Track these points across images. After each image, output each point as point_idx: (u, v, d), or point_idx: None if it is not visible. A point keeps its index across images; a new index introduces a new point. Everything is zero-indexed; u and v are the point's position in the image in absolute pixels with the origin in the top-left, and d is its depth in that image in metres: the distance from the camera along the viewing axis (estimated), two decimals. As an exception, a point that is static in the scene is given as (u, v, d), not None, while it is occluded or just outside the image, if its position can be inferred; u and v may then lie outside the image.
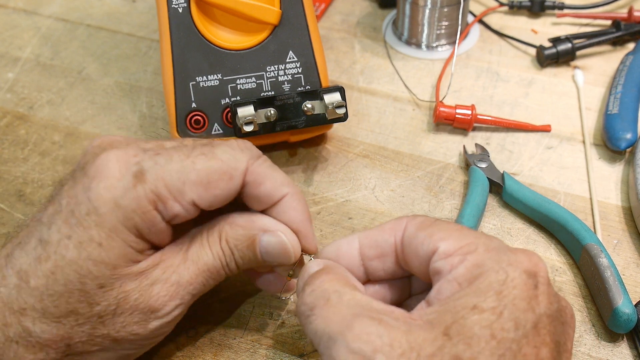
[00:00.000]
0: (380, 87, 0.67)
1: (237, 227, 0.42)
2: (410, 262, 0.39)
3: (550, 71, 0.68)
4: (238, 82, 0.55)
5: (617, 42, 0.71)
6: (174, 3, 0.54)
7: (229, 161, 0.41)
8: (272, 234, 0.42)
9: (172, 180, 0.40)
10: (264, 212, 0.44)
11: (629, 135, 0.59)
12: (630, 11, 0.71)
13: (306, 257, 0.43)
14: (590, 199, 0.56)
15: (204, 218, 0.43)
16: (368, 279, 0.42)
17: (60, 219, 0.39)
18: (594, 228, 0.54)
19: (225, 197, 0.41)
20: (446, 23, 0.69)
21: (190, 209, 0.41)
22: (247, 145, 0.43)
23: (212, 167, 0.40)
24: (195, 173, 0.40)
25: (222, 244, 0.42)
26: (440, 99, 0.64)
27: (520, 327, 0.33)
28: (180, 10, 0.55)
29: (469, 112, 0.61)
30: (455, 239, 0.37)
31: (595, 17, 0.73)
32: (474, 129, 0.62)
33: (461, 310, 0.34)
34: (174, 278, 0.41)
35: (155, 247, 0.42)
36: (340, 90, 0.55)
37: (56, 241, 0.39)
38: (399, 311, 0.35)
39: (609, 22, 0.73)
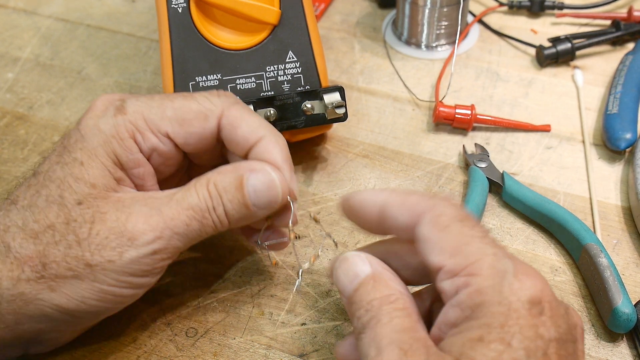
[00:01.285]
0: (380, 87, 0.67)
1: (225, 172, 0.44)
2: (421, 254, 0.39)
3: (550, 71, 0.68)
4: (238, 82, 0.55)
5: (617, 42, 0.71)
6: (173, 3, 0.54)
7: (204, 103, 0.44)
8: (259, 171, 0.43)
9: (149, 114, 0.43)
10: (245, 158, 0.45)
11: (628, 135, 0.59)
12: (629, 11, 0.71)
13: (351, 252, 0.41)
14: (590, 198, 0.56)
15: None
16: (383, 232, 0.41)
17: (54, 154, 0.44)
18: (594, 228, 0.54)
19: (200, 137, 0.44)
20: (446, 23, 0.69)
21: (166, 142, 0.44)
22: (226, 93, 0.46)
23: (188, 106, 0.44)
24: (172, 110, 0.44)
25: (210, 187, 0.43)
26: (440, 98, 0.64)
27: (532, 355, 0.33)
28: (180, 10, 0.55)
29: (469, 112, 0.61)
30: (462, 256, 0.36)
31: (594, 17, 0.73)
32: (474, 128, 0.62)
33: (467, 342, 0.34)
34: (155, 212, 0.42)
35: (139, 189, 0.44)
36: (340, 90, 0.55)
37: (46, 169, 0.43)
38: (429, 342, 0.36)
39: (608, 22, 0.73)
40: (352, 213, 0.41)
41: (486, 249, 0.36)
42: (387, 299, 0.38)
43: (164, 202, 0.42)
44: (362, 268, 0.39)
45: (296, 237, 0.46)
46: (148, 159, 0.44)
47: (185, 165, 0.49)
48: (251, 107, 0.54)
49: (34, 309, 0.41)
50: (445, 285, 0.36)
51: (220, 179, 0.43)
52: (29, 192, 0.42)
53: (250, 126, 0.44)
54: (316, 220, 0.49)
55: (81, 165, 0.42)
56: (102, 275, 0.41)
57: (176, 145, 0.45)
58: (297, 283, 0.46)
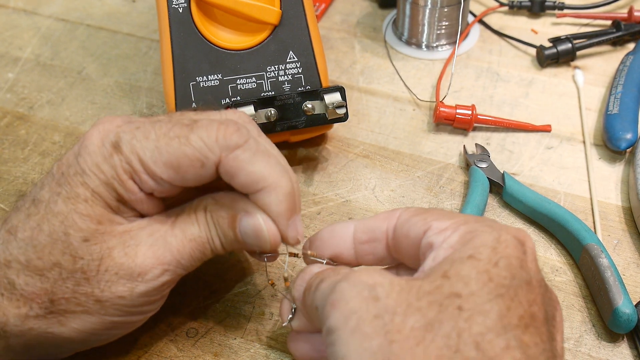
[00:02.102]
0: (381, 87, 0.67)
1: (221, 204, 0.43)
2: (399, 247, 0.40)
3: (551, 71, 0.68)
4: (238, 82, 0.55)
5: (617, 42, 0.71)
6: (174, 3, 0.54)
7: (201, 149, 0.40)
8: (251, 216, 0.42)
9: (145, 157, 0.41)
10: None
11: (629, 136, 0.59)
12: (630, 11, 0.71)
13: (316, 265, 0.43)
14: (591, 199, 0.56)
15: (197, 193, 0.44)
16: (358, 262, 0.43)
17: (53, 181, 0.42)
18: (594, 228, 0.54)
19: (198, 180, 0.42)
20: (446, 23, 0.69)
21: (164, 185, 0.42)
22: (228, 132, 0.41)
23: (184, 152, 0.41)
24: (167, 156, 0.41)
25: (207, 216, 0.43)
26: (441, 99, 0.64)
27: (516, 278, 0.35)
28: (180, 10, 0.54)
29: (469, 112, 0.61)
30: (448, 218, 0.38)
31: (595, 17, 0.73)
32: (474, 129, 0.62)
33: (457, 260, 0.35)
34: (161, 242, 0.42)
35: (142, 216, 0.43)
36: (341, 90, 0.55)
37: (47, 199, 0.41)
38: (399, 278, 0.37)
39: (609, 22, 0.73)
40: (324, 238, 0.43)
41: (469, 215, 0.39)
42: (339, 269, 0.39)
43: (168, 231, 0.42)
44: (317, 268, 0.42)
45: (294, 255, 0.45)
46: (149, 195, 0.43)
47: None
48: (252, 107, 0.54)
49: (43, 340, 0.41)
50: (432, 239, 0.38)
51: (216, 209, 0.42)
52: (29, 224, 0.41)
53: (249, 177, 0.41)
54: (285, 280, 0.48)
55: (85, 202, 0.41)
56: (112, 309, 0.41)
57: (174, 185, 0.43)
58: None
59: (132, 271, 0.41)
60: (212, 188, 0.45)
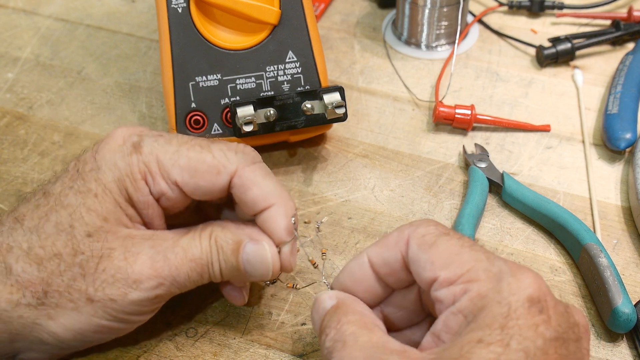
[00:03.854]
0: (380, 87, 0.67)
1: (227, 229, 0.44)
2: (415, 278, 0.39)
3: (550, 71, 0.68)
4: (237, 82, 0.55)
5: (617, 42, 0.71)
6: (173, 3, 0.54)
7: (220, 158, 0.43)
8: (257, 243, 0.43)
9: (164, 159, 0.43)
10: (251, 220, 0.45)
11: (628, 135, 0.59)
12: (629, 11, 0.71)
13: (321, 292, 0.42)
14: (590, 198, 0.56)
15: (200, 219, 0.45)
16: (392, 289, 0.42)
17: (67, 176, 0.43)
18: (594, 228, 0.54)
19: (209, 190, 0.43)
20: (446, 23, 0.69)
21: (174, 189, 0.43)
22: (246, 150, 0.45)
23: (203, 158, 0.43)
24: (186, 159, 0.43)
25: (211, 242, 0.43)
26: (440, 98, 0.64)
27: (531, 355, 0.33)
28: (180, 10, 0.54)
29: (469, 112, 0.61)
30: (456, 265, 0.37)
31: (594, 17, 0.73)
32: (474, 128, 0.62)
33: (466, 345, 0.34)
34: (161, 256, 0.42)
35: (147, 226, 0.44)
36: (340, 90, 0.55)
37: (58, 192, 0.42)
38: (410, 351, 0.36)
39: (608, 22, 0.73)
40: (348, 287, 0.42)
41: (478, 255, 0.37)
42: (347, 317, 0.38)
43: (169, 247, 0.42)
44: (328, 302, 0.40)
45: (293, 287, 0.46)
46: (157, 200, 0.44)
47: (194, 204, 0.48)
48: (251, 107, 0.54)
49: (29, 333, 0.41)
50: (441, 294, 0.37)
51: (222, 235, 0.43)
52: (37, 213, 0.42)
53: (262, 191, 0.43)
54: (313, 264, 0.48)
55: (95, 197, 0.42)
56: (101, 311, 0.41)
57: (184, 193, 0.44)
58: (265, 283, 0.46)
59: (128, 277, 0.41)
60: (215, 214, 0.47)
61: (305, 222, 0.54)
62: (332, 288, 0.42)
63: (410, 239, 0.39)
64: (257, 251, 0.43)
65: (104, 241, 0.41)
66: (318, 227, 0.44)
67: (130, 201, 0.43)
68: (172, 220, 0.46)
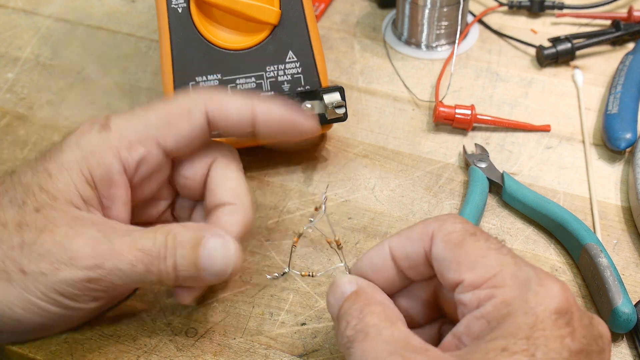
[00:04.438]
0: (380, 87, 0.67)
1: (189, 228, 0.43)
2: (439, 277, 0.38)
3: (550, 71, 0.68)
4: (238, 82, 0.55)
5: (617, 42, 0.71)
6: (173, 3, 0.54)
7: (185, 101, 0.45)
8: (220, 237, 0.43)
9: (135, 125, 0.44)
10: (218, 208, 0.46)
11: (628, 135, 0.59)
12: (629, 11, 0.71)
13: (341, 275, 0.41)
14: (590, 198, 0.56)
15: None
16: (410, 281, 0.41)
17: (34, 159, 0.44)
18: (594, 228, 0.54)
19: (189, 136, 0.45)
20: (446, 23, 0.69)
21: (154, 151, 0.44)
22: (205, 89, 0.47)
23: (170, 107, 0.45)
24: (155, 116, 0.44)
25: (169, 237, 0.42)
26: (440, 98, 0.64)
27: None
28: (180, 10, 0.55)
29: (469, 112, 0.61)
30: (482, 268, 0.36)
31: (594, 17, 0.73)
32: (474, 128, 0.62)
33: (491, 352, 0.33)
34: (105, 240, 0.41)
35: (106, 213, 0.44)
36: (340, 90, 0.55)
37: (20, 171, 0.44)
38: (433, 350, 0.35)
39: (608, 22, 0.73)
40: (368, 275, 0.40)
41: (505, 260, 0.36)
42: (370, 308, 0.37)
43: (118, 235, 0.42)
44: (347, 287, 0.39)
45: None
46: (135, 173, 0.44)
47: (170, 196, 0.49)
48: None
49: None
50: (465, 297, 0.36)
51: (181, 232, 0.42)
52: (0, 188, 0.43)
53: (238, 106, 0.45)
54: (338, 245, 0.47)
55: (49, 177, 0.42)
56: (32, 286, 0.40)
57: (165, 153, 0.45)
58: (272, 276, 0.45)
59: (64, 252, 0.40)
60: None
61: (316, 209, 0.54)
62: (350, 273, 0.42)
63: (435, 235, 0.38)
64: (220, 245, 0.42)
65: (50, 217, 0.41)
66: (325, 201, 0.42)
67: (92, 182, 0.43)
68: (143, 214, 0.47)
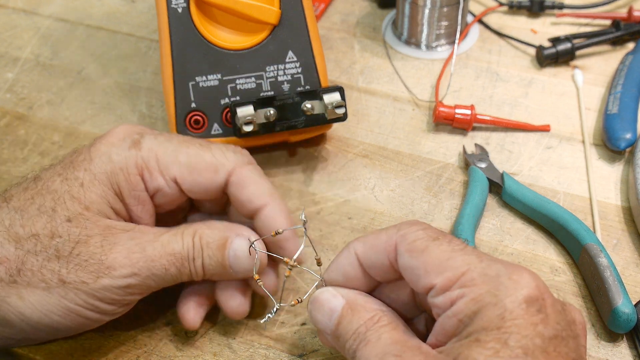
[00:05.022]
0: (380, 87, 0.67)
1: (213, 228, 0.44)
2: (410, 285, 0.39)
3: (550, 71, 0.68)
4: (237, 82, 0.55)
5: (617, 42, 0.71)
6: (173, 3, 0.54)
7: (218, 157, 0.45)
8: (245, 238, 0.44)
9: (163, 155, 0.44)
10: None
11: (628, 135, 0.59)
12: (629, 11, 0.71)
13: (319, 290, 0.41)
14: (590, 198, 0.56)
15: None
16: (378, 284, 0.42)
17: (60, 165, 0.45)
18: (594, 228, 0.54)
19: (207, 188, 0.45)
20: (446, 23, 0.69)
21: (172, 186, 0.45)
22: (243, 152, 0.47)
23: (202, 156, 0.45)
24: (185, 156, 0.45)
25: (195, 238, 0.43)
26: (440, 98, 0.64)
27: (529, 353, 0.33)
28: (180, 10, 0.55)
29: (469, 112, 0.61)
30: (450, 270, 0.36)
31: (594, 17, 0.73)
32: (474, 129, 0.62)
33: (465, 347, 0.34)
34: (138, 248, 0.42)
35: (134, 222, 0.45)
36: (340, 90, 0.55)
37: (48, 177, 0.44)
38: (425, 347, 0.37)
39: (608, 22, 0.73)
40: (340, 282, 0.41)
41: (471, 259, 0.37)
42: (371, 322, 0.38)
43: (149, 241, 0.43)
44: (335, 302, 0.40)
45: (291, 267, 0.44)
46: (152, 197, 0.45)
47: (187, 207, 0.50)
48: (251, 107, 0.54)
49: None
50: (437, 300, 0.37)
51: (207, 233, 0.44)
52: (24, 195, 0.43)
53: (259, 189, 0.45)
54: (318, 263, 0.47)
55: (81, 186, 0.43)
56: (72, 294, 0.41)
57: (181, 190, 0.45)
58: (266, 317, 0.45)
59: (101, 263, 0.41)
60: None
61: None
62: (326, 284, 0.42)
63: (398, 245, 0.39)
64: (245, 245, 0.43)
65: (83, 228, 0.42)
66: (304, 222, 0.43)
67: (120, 195, 0.44)
68: (162, 221, 0.47)
